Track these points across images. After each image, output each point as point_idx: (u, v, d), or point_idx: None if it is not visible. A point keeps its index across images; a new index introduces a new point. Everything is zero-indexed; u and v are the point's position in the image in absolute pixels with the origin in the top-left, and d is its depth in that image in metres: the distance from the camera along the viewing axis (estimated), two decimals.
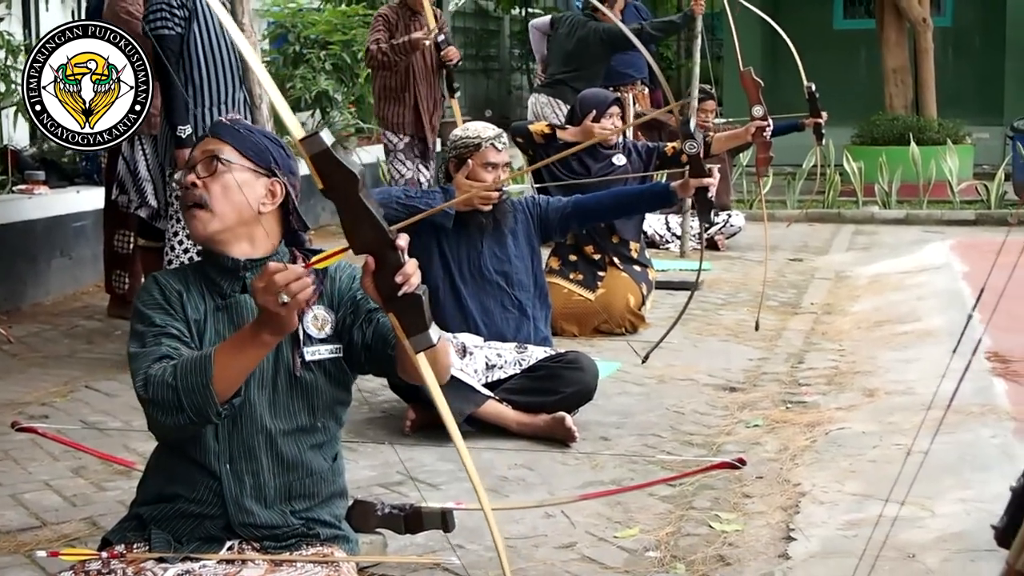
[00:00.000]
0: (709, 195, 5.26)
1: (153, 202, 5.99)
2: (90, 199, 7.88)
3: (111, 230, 7.01)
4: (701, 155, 5.29)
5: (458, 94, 8.43)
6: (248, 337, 2.57)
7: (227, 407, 2.63)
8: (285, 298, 2.43)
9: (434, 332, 2.35)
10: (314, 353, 2.82)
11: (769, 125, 6.65)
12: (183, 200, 2.81)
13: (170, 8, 5.56)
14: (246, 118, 5.56)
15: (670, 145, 6.97)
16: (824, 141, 8.82)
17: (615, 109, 6.88)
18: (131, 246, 6.87)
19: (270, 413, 2.80)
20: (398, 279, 2.32)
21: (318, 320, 2.83)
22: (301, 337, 2.80)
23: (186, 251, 5.65)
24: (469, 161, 5.02)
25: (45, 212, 7.64)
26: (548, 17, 10.35)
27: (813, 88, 8.29)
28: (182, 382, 2.57)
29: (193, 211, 2.78)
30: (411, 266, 2.35)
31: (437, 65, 8.15)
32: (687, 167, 5.34)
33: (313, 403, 2.84)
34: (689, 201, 9.25)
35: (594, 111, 6.70)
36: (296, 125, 2.41)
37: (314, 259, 2.46)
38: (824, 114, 8.45)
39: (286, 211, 2.88)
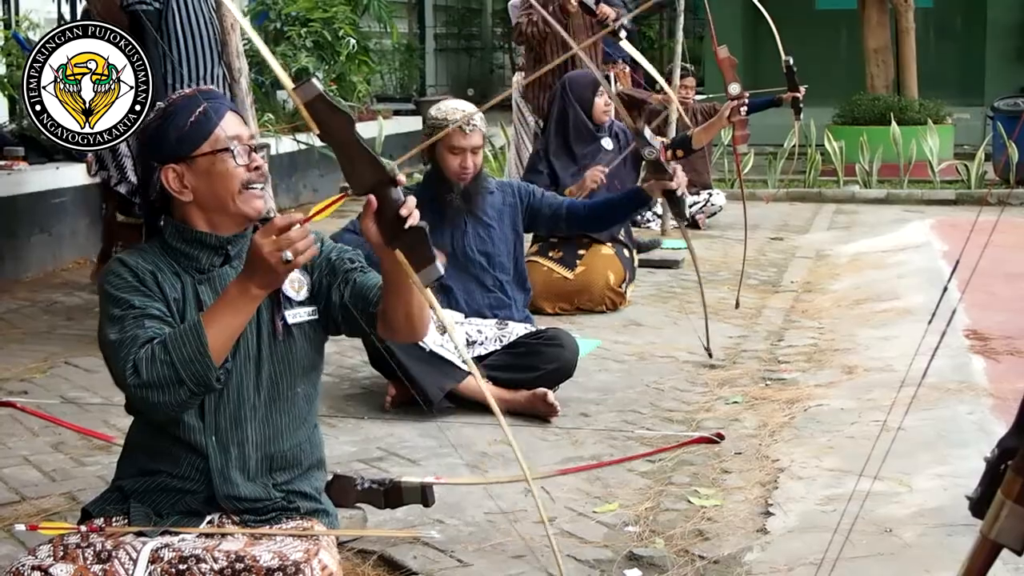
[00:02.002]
0: (678, 194, 5.18)
1: (133, 178, 5.96)
2: (70, 176, 7.85)
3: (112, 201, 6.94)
4: (662, 158, 5.20)
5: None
6: (237, 294, 2.58)
7: (223, 372, 2.63)
8: (289, 255, 2.47)
9: (440, 264, 2.40)
10: (295, 316, 2.83)
11: (744, 102, 6.65)
12: (252, 181, 2.77)
13: None
14: (225, 94, 5.54)
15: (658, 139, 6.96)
16: (802, 115, 8.82)
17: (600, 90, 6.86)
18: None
19: (255, 382, 2.80)
20: (403, 212, 2.37)
21: (295, 283, 2.83)
22: (281, 300, 2.81)
23: None
24: (438, 147, 5.00)
25: (24, 188, 7.61)
26: None
27: (791, 61, 8.29)
28: (177, 355, 2.56)
29: (259, 191, 2.79)
30: (412, 200, 2.40)
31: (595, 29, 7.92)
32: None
33: (294, 369, 2.85)
34: None
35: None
36: (286, 77, 2.45)
37: (313, 211, 2.49)
38: (802, 88, 8.45)
39: None
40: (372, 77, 13.03)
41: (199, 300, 2.78)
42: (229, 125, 2.78)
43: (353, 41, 11.21)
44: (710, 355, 5.47)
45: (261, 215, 2.81)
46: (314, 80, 2.31)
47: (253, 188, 2.77)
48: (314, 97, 2.29)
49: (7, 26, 8.49)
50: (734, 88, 6.57)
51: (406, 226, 2.38)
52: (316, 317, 2.87)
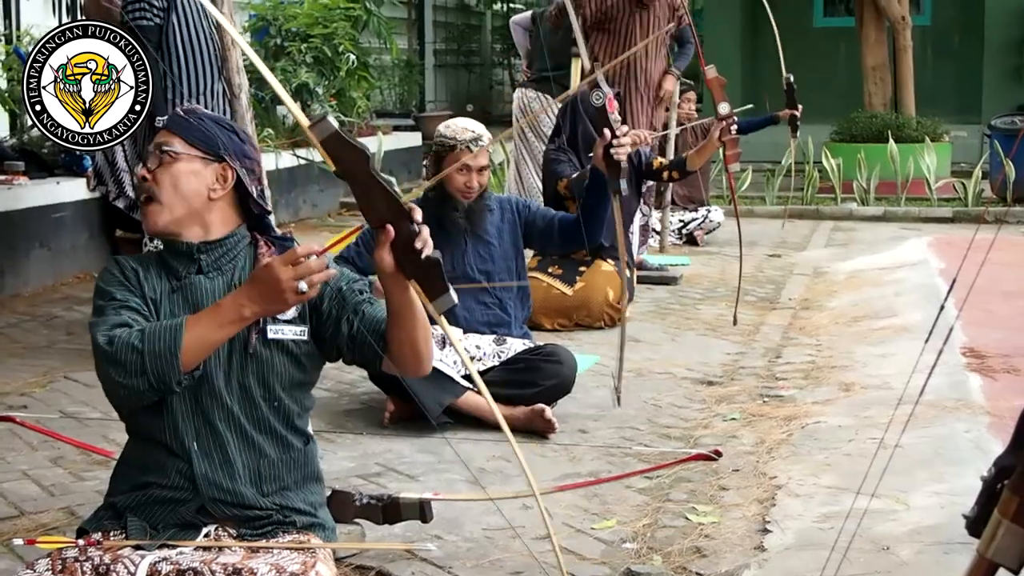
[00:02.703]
0: (616, 158, 4.94)
1: (131, 193, 5.98)
2: (70, 190, 7.86)
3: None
4: (609, 108, 4.96)
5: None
6: (227, 310, 2.61)
7: (187, 377, 2.66)
8: (304, 287, 2.51)
9: (453, 293, 2.48)
10: (277, 332, 2.84)
11: (734, 122, 6.69)
12: (138, 194, 2.86)
13: None
14: (224, 109, 5.56)
15: (657, 159, 6.95)
16: (799, 134, 8.83)
17: (614, 104, 6.82)
18: None
19: (227, 389, 2.81)
20: (418, 244, 2.45)
21: None
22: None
23: None
24: (444, 165, 5.02)
25: (25, 203, 7.62)
26: (529, 13, 10.34)
27: (792, 79, 8.31)
28: (149, 346, 2.60)
29: (145, 205, 2.85)
30: (426, 232, 2.47)
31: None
32: (599, 125, 5.13)
33: (269, 381, 2.85)
34: (669, 196, 9.31)
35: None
36: (300, 114, 2.51)
37: (329, 242, 2.55)
38: (800, 107, 8.47)
39: (242, 195, 2.89)
40: (372, 92, 13.06)
41: (171, 305, 2.82)
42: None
43: (353, 57, 11.23)
44: (618, 402, 5.02)
45: (152, 232, 2.88)
46: (329, 118, 2.37)
47: (143, 203, 2.85)
48: (329, 136, 2.36)
49: (8, 41, 8.51)
50: (723, 108, 6.60)
51: (422, 257, 2.45)
52: (304, 337, 2.87)
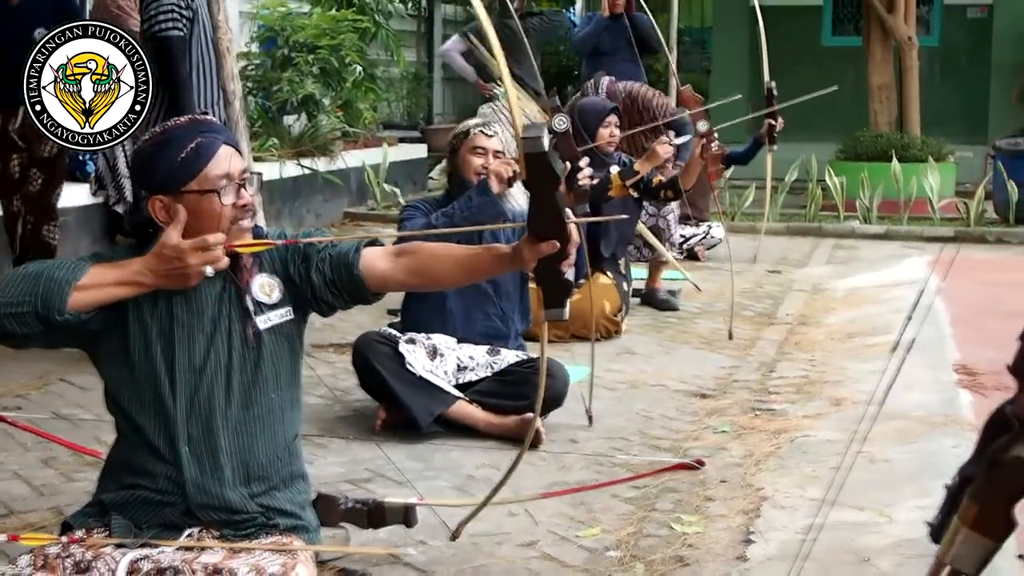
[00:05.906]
0: (580, 183, 5.16)
1: (131, 197, 6.00)
2: (72, 196, 7.86)
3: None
4: (570, 132, 5.26)
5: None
6: (131, 273, 2.70)
7: (71, 315, 2.68)
8: (211, 272, 2.70)
9: (566, 311, 2.72)
10: (266, 321, 2.88)
11: (715, 138, 6.73)
12: (239, 218, 2.83)
13: (179, 9, 5.58)
14: (221, 114, 5.59)
15: (658, 177, 6.96)
16: (776, 147, 8.80)
17: (612, 118, 6.90)
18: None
19: (226, 390, 2.84)
20: (563, 267, 2.67)
21: (265, 287, 2.88)
22: (251, 308, 2.85)
23: None
24: (460, 152, 5.10)
25: None
26: (455, 37, 10.62)
27: (774, 87, 8.32)
28: (48, 272, 2.67)
29: (247, 226, 2.86)
30: (573, 257, 2.68)
31: None
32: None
33: (266, 375, 2.88)
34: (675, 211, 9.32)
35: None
36: (521, 120, 2.67)
37: (242, 244, 2.74)
38: (780, 120, 8.47)
39: None
40: (379, 104, 13.10)
41: (170, 307, 2.83)
42: (220, 163, 2.80)
43: (360, 68, 11.29)
44: (590, 421, 5.08)
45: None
46: (544, 139, 2.54)
47: (241, 224, 2.83)
48: (534, 153, 2.54)
49: None
50: (702, 126, 6.64)
51: (561, 276, 2.68)
52: (291, 317, 2.92)
